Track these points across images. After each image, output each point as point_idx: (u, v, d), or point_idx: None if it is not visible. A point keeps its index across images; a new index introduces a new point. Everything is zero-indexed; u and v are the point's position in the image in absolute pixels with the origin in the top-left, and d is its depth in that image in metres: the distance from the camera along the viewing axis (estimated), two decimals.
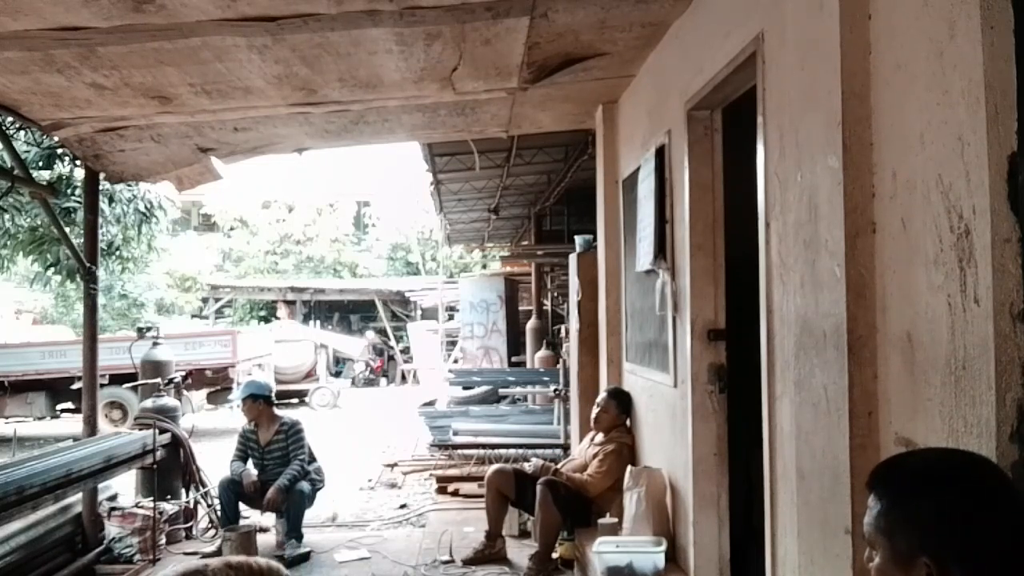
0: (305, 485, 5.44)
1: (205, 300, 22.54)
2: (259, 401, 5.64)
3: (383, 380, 19.65)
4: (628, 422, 4.74)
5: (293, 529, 5.31)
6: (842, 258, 1.89)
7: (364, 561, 5.18)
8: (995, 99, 1.40)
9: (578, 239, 5.87)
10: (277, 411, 5.82)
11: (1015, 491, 1.16)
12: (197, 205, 26.14)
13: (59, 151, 8.27)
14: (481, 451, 7.25)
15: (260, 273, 24.13)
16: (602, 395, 4.81)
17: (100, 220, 6.72)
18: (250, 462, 5.61)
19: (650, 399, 4.33)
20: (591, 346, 5.52)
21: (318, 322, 21.10)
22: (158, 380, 6.42)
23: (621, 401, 4.72)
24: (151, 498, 5.42)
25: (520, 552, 4.98)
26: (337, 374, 19.06)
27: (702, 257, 3.48)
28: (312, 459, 5.70)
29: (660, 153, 3.91)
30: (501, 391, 10.60)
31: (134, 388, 7.33)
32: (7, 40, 3.20)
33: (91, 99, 3.97)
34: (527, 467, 5.01)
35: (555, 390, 7.37)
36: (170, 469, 5.78)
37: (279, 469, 5.47)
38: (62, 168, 8.92)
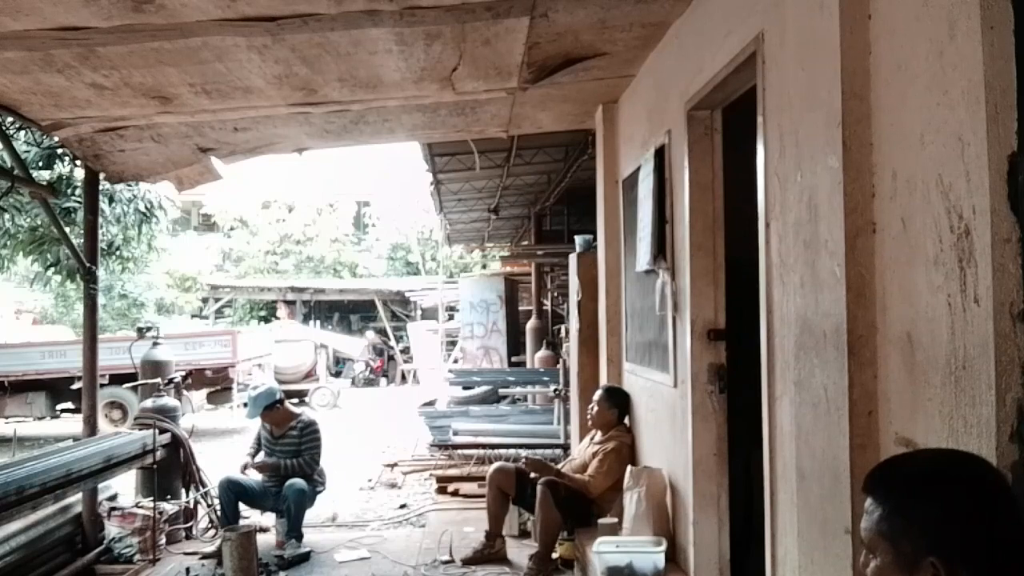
0: (305, 485, 5.43)
1: (205, 300, 22.56)
2: (275, 407, 5.59)
3: (383, 380, 19.63)
4: (627, 421, 4.75)
5: (293, 529, 5.31)
6: (842, 258, 1.89)
7: (364, 561, 5.18)
8: (995, 99, 1.40)
9: (578, 239, 5.86)
10: (294, 408, 5.82)
11: (1011, 489, 1.17)
12: (197, 205, 26.15)
13: (59, 151, 8.27)
14: (481, 451, 7.25)
15: (260, 273, 24.14)
16: (596, 392, 4.83)
17: (100, 220, 6.72)
18: (261, 453, 5.65)
19: (650, 399, 4.33)
20: (591, 346, 5.52)
21: (318, 322, 21.12)
22: (158, 380, 6.42)
23: (612, 397, 4.72)
24: (151, 498, 5.42)
25: (520, 552, 4.98)
26: (337, 374, 19.06)
27: (702, 257, 3.48)
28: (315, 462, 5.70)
29: (660, 153, 3.91)
30: (501, 391, 10.60)
31: (134, 388, 7.32)
32: (7, 40, 3.20)
33: (91, 99, 3.97)
34: (522, 464, 5.01)
35: (555, 390, 7.36)
36: (170, 469, 5.78)
37: (288, 460, 5.50)
38: (62, 168, 8.93)
